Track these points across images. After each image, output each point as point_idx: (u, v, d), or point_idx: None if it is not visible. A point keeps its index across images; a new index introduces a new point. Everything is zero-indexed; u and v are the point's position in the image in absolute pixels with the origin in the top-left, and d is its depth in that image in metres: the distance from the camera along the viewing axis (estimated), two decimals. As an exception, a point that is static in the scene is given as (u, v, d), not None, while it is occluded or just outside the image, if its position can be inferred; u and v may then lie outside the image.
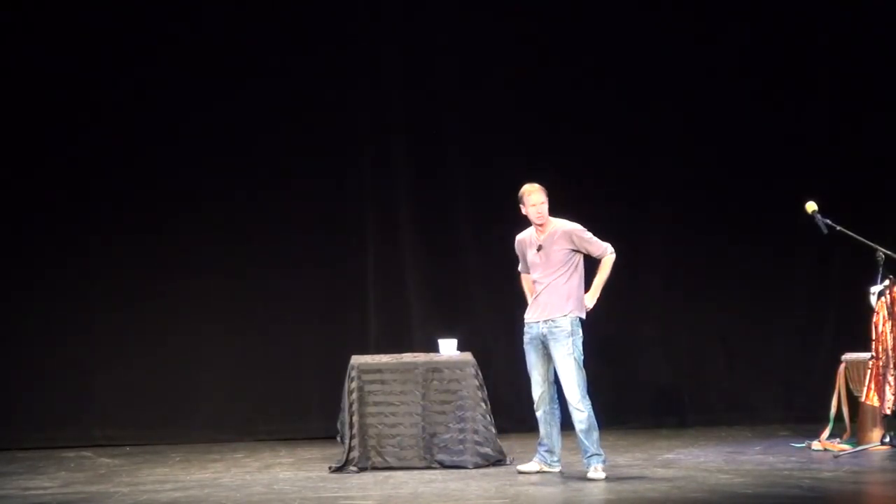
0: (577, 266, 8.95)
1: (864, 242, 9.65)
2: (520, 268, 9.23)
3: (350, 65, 11.59)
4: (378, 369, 9.47)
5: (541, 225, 9.00)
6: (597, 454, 8.85)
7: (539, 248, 8.98)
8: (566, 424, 9.06)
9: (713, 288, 11.88)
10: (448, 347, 9.72)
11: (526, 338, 9.06)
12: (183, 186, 11.39)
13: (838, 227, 9.64)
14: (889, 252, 9.61)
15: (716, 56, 11.87)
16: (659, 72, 11.80)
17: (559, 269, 8.91)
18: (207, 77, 11.41)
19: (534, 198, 8.95)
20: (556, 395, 9.00)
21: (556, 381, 8.96)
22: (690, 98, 11.83)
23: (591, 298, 8.96)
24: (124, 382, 11.26)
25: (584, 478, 8.80)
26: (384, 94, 11.64)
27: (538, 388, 9.02)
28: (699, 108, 11.85)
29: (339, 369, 9.71)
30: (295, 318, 11.52)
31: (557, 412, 9.04)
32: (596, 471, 8.82)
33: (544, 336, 8.92)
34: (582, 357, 8.84)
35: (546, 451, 9.07)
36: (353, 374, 9.43)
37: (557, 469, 9.07)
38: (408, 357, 9.67)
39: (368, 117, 11.64)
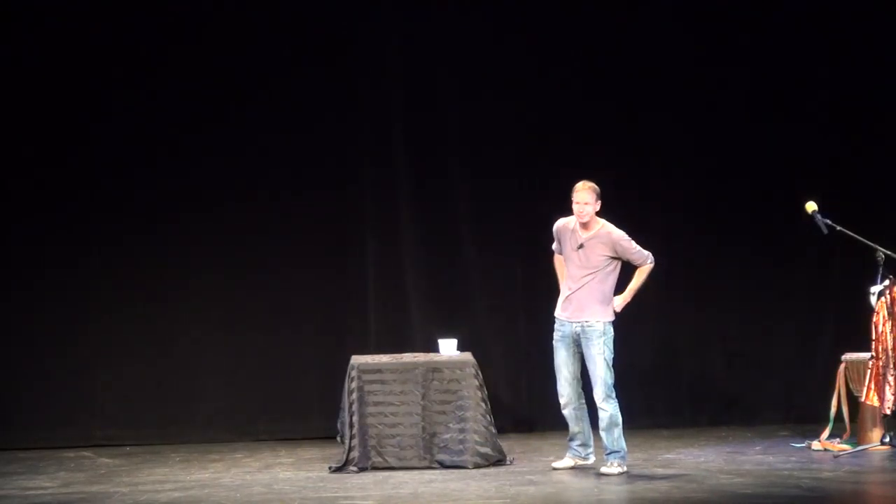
0: (614, 269, 9.07)
1: (864, 242, 9.65)
2: (553, 247, 9.27)
3: (351, 67, 11.56)
4: (378, 369, 9.47)
5: (584, 223, 9.04)
6: (615, 451, 8.97)
7: (580, 247, 9.03)
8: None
9: (713, 288, 11.85)
10: (448, 347, 9.72)
11: (557, 335, 9.11)
12: (182, 187, 11.37)
13: (838, 227, 9.65)
14: (889, 252, 9.61)
15: (715, 58, 11.85)
16: (658, 79, 11.76)
17: (596, 272, 9.01)
18: (207, 80, 11.38)
19: (578, 196, 9.05)
20: (582, 391, 9.12)
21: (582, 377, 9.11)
22: (690, 101, 11.80)
23: (621, 301, 9.09)
24: (124, 382, 11.25)
25: (584, 476, 8.82)
26: (384, 95, 11.62)
27: (566, 387, 9.08)
28: (699, 110, 11.82)
29: (339, 369, 9.71)
30: (295, 318, 11.50)
31: (585, 406, 9.15)
32: (610, 466, 8.95)
33: (577, 335, 9.00)
34: (612, 356, 8.98)
35: (579, 444, 9.17)
36: (353, 374, 9.42)
37: (591, 461, 9.18)
38: (408, 357, 9.67)
39: (369, 118, 11.63)
